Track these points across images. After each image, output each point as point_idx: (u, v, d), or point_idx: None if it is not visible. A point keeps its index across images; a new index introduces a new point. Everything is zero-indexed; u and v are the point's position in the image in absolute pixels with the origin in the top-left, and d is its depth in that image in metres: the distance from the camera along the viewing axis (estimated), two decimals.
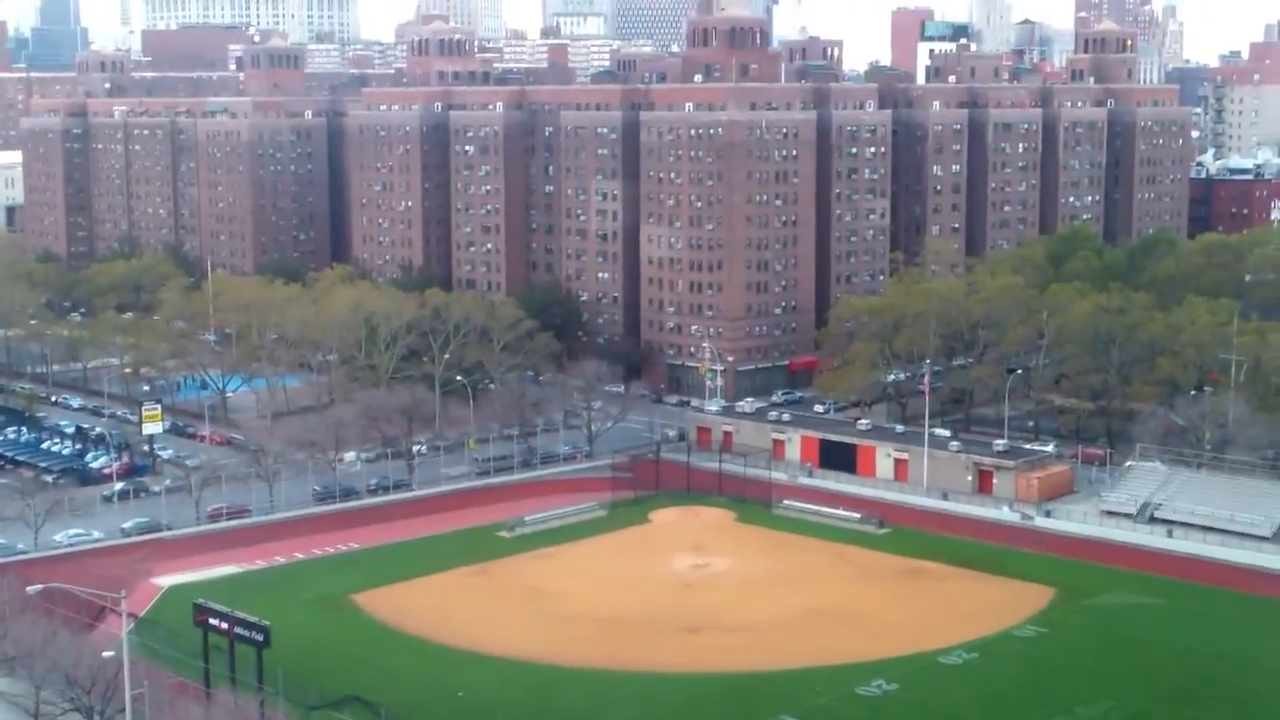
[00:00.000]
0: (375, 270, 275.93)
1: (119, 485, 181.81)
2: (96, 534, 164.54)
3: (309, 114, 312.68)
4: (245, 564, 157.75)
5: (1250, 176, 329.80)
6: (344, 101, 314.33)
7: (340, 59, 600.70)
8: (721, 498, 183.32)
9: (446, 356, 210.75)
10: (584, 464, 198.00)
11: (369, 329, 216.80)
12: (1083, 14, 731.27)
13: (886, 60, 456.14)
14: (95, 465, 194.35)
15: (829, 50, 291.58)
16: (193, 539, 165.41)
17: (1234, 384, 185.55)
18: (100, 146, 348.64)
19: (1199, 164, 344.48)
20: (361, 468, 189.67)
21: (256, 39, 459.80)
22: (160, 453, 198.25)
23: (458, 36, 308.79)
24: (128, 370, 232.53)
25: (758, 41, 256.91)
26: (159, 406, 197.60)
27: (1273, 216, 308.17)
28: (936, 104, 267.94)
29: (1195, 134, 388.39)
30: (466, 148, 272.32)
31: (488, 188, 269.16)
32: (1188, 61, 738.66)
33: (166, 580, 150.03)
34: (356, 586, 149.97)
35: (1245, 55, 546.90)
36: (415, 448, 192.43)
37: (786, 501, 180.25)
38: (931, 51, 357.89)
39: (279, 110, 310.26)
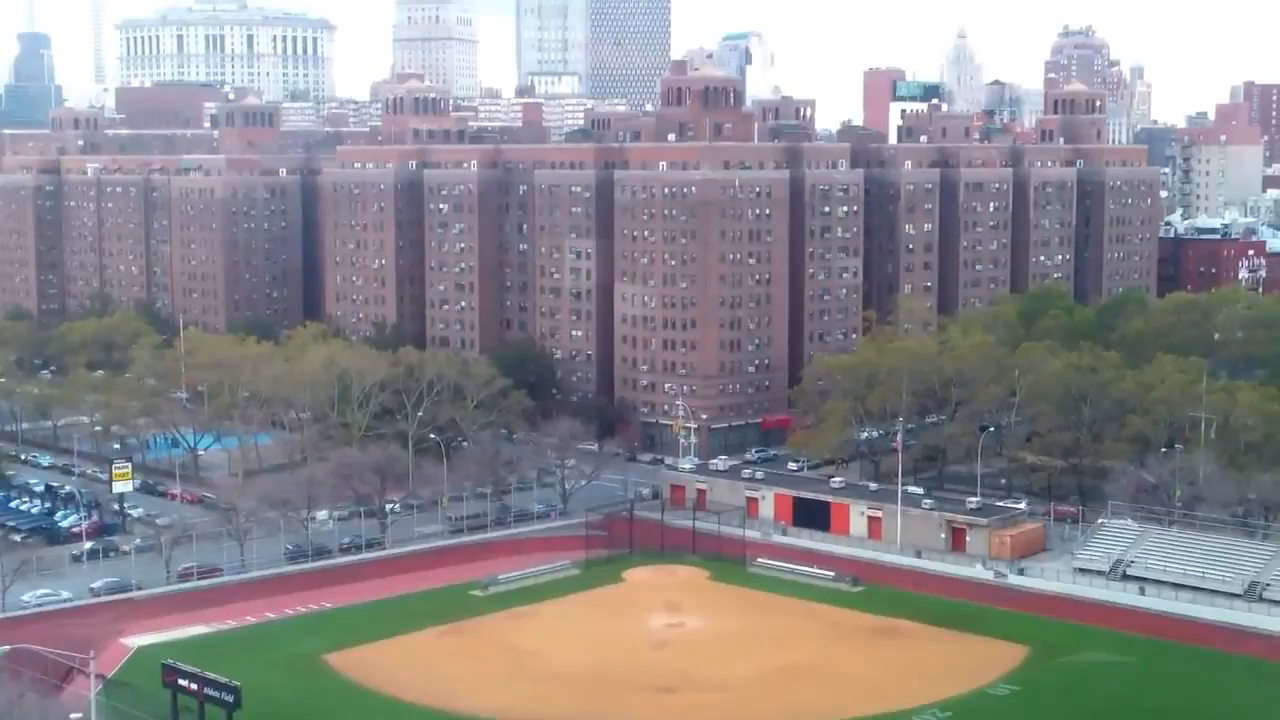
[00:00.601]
0: (349, 328, 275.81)
1: (88, 544, 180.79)
2: (65, 594, 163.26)
3: (283, 171, 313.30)
4: (216, 624, 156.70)
5: (1218, 236, 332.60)
6: (318, 159, 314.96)
7: (315, 117, 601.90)
8: (695, 556, 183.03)
9: (420, 414, 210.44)
10: (558, 522, 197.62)
11: (342, 387, 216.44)
12: (1052, 75, 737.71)
13: (859, 120, 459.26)
14: (64, 524, 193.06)
15: (801, 110, 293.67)
16: (163, 599, 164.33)
17: (1204, 442, 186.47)
18: (73, 203, 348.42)
19: (1168, 224, 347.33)
20: (334, 526, 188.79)
21: (231, 96, 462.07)
22: (130, 511, 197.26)
23: (433, 95, 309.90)
24: (98, 428, 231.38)
25: (731, 101, 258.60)
26: (129, 465, 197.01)
27: (1240, 276, 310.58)
28: (908, 163, 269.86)
29: (1163, 194, 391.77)
30: (441, 206, 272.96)
31: (462, 245, 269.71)
32: (1155, 122, 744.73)
33: (136, 641, 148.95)
34: (329, 646, 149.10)
35: (1212, 116, 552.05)
36: (388, 506, 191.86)
37: (760, 560, 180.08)
38: (903, 111, 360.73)
39: (253, 168, 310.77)
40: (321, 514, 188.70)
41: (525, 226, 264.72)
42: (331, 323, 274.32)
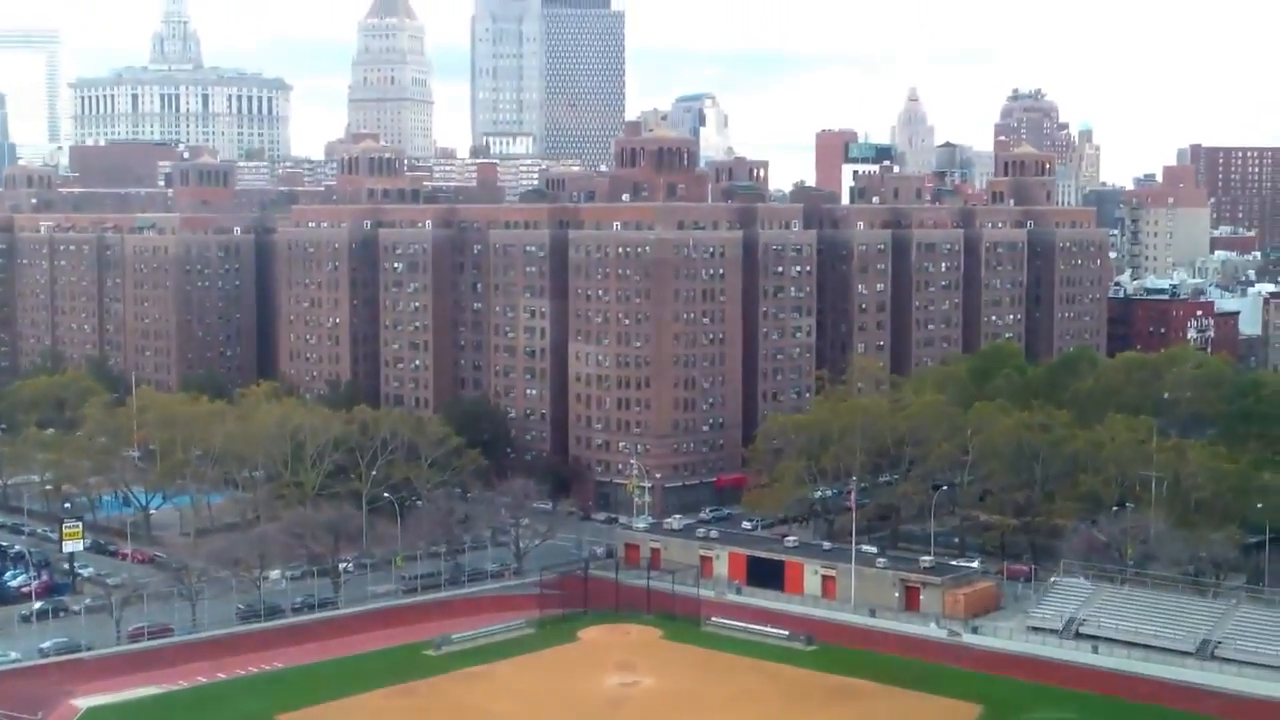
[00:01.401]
0: (303, 386, 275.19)
1: (38, 604, 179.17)
2: (14, 654, 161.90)
3: (238, 230, 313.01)
4: (167, 685, 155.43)
5: (1167, 296, 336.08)
6: (273, 218, 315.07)
7: (270, 176, 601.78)
8: (650, 615, 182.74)
9: (374, 473, 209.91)
10: (512, 581, 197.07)
11: (295, 445, 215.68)
12: (1002, 137, 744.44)
13: (812, 181, 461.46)
14: (14, 584, 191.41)
15: (755, 171, 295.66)
16: (113, 659, 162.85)
17: (1154, 500, 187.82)
18: (25, 261, 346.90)
19: (1117, 284, 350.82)
20: (287, 585, 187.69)
21: (186, 155, 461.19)
22: (80, 571, 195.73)
23: (387, 155, 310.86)
24: (49, 487, 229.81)
25: (685, 162, 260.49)
26: (80, 524, 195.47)
27: (1189, 336, 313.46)
28: (861, 224, 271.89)
29: (1113, 255, 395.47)
30: (395, 265, 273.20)
31: (416, 304, 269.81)
32: (1104, 184, 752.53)
33: (86, 702, 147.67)
34: (281, 707, 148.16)
35: (1159, 178, 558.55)
36: (341, 565, 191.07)
37: (715, 619, 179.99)
38: (855, 172, 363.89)
39: (207, 226, 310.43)
40: (274, 573, 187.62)
41: (480, 285, 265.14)
42: (285, 381, 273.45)
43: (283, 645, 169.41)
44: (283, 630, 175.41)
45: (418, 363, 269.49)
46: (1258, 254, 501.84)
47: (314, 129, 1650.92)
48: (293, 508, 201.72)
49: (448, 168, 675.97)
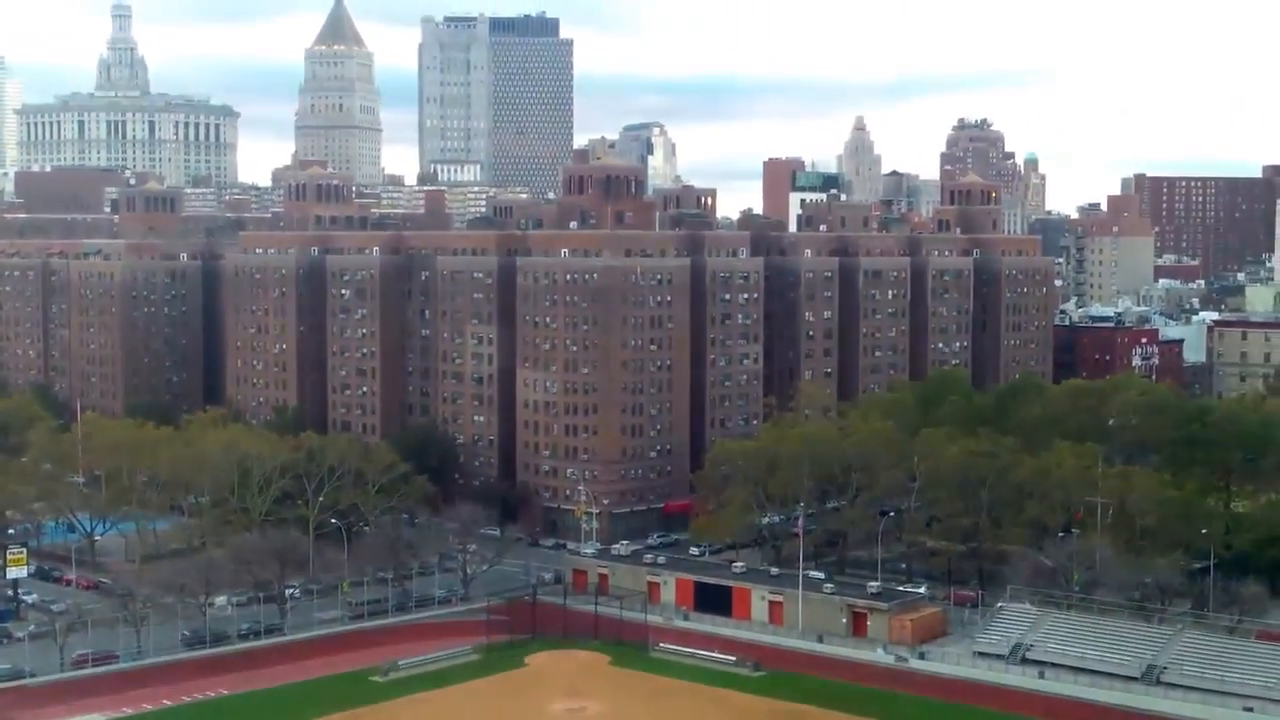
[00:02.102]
0: (249, 412, 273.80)
1: None
2: None
3: (184, 256, 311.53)
4: (111, 712, 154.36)
5: (1112, 324, 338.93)
6: (220, 244, 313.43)
7: (217, 202, 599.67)
8: (597, 641, 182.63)
9: (321, 499, 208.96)
10: (459, 607, 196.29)
11: (242, 471, 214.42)
12: (948, 166, 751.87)
13: (759, 209, 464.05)
14: None
15: (702, 199, 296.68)
16: (57, 686, 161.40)
17: (1100, 526, 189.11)
18: None
19: (1063, 312, 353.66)
20: (233, 612, 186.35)
21: (132, 181, 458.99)
22: (25, 597, 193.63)
23: (335, 182, 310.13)
24: None
25: (633, 189, 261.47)
26: (24, 550, 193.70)
27: (1134, 363, 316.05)
28: (808, 251, 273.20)
29: (1058, 283, 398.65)
30: (343, 291, 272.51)
31: (364, 331, 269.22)
32: (1049, 213, 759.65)
33: None
34: None
35: (1104, 207, 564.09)
36: (288, 591, 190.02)
37: (662, 644, 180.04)
38: (803, 201, 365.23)
39: (153, 252, 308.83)
40: (220, 599, 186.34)
41: (427, 312, 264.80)
42: (232, 407, 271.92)
43: (229, 672, 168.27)
44: (229, 657, 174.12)
45: (365, 389, 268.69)
46: (1201, 282, 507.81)
47: (261, 156, 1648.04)
48: (239, 534, 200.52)
49: (395, 195, 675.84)
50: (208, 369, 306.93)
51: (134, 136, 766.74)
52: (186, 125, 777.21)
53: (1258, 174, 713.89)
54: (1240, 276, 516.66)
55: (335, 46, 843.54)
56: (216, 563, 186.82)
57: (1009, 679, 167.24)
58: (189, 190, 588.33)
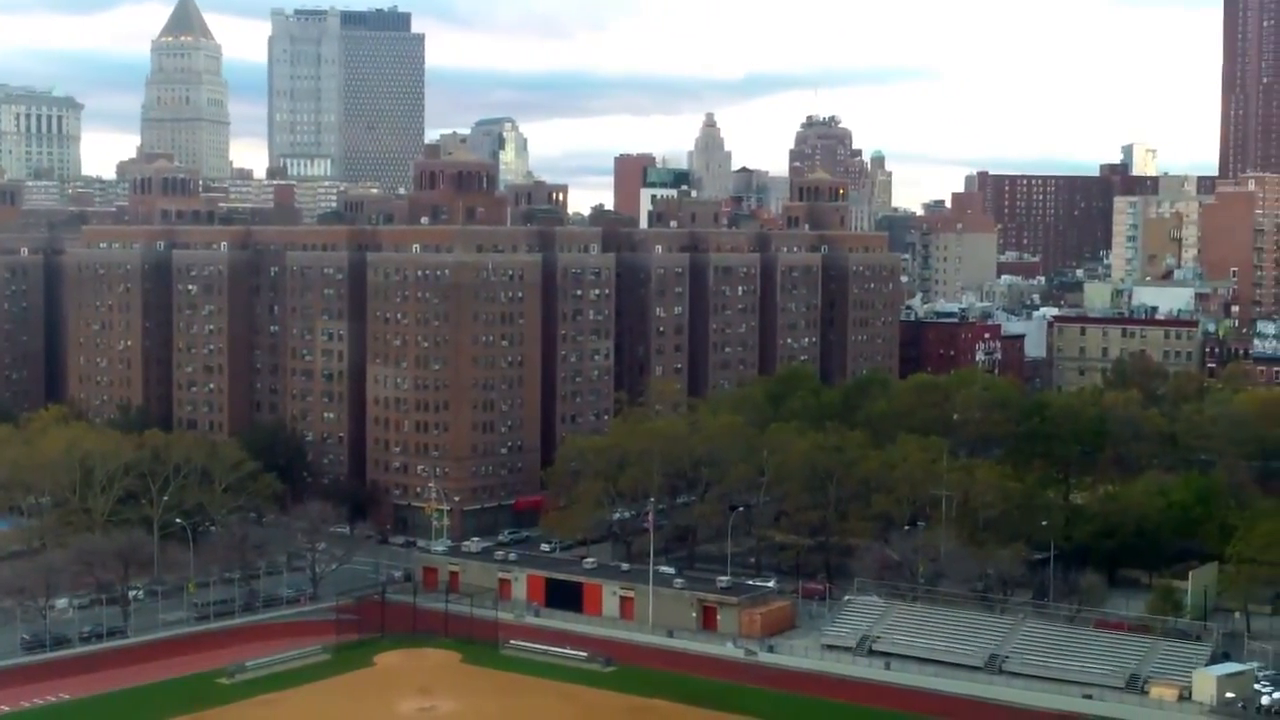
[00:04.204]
0: (92, 411, 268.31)
1: None
2: None
3: (25, 251, 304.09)
4: None
5: (956, 319, 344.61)
6: (62, 239, 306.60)
7: (59, 196, 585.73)
8: (448, 639, 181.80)
9: (166, 498, 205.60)
10: (308, 607, 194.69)
11: (84, 471, 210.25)
12: (797, 164, 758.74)
13: (610, 205, 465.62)
14: None
15: (554, 195, 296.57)
16: None
17: (944, 519, 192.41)
18: None
19: (908, 307, 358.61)
20: (74, 615, 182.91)
21: None
22: None
23: (182, 175, 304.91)
24: None
25: (484, 185, 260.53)
26: None
27: (977, 358, 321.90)
28: (659, 248, 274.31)
29: (904, 279, 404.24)
30: (189, 287, 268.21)
31: (211, 327, 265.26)
32: (896, 210, 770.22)
33: None
34: None
35: (949, 204, 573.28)
36: (131, 593, 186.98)
37: (513, 641, 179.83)
38: (654, 197, 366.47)
39: None
40: (61, 602, 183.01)
41: (276, 308, 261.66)
42: (74, 406, 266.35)
43: (69, 676, 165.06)
44: (70, 660, 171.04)
45: (212, 386, 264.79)
46: (1042, 279, 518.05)
47: (106, 149, 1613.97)
48: (81, 534, 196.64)
49: (244, 189, 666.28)
50: (49, 367, 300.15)
51: None
52: (28, 117, 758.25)
53: (1097, 173, 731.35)
54: (1079, 273, 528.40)
55: (182, 38, 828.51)
56: (57, 564, 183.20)
57: (856, 670, 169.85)
58: (30, 183, 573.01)
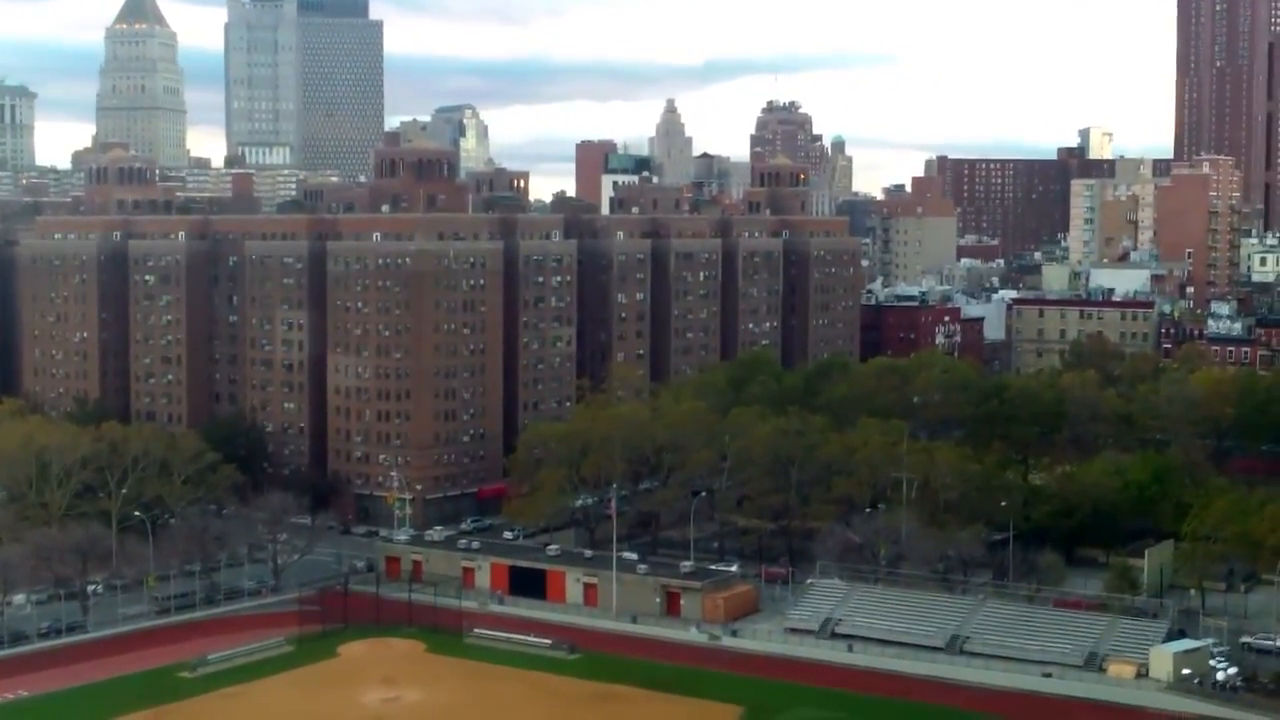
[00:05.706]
0: (48, 404, 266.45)
1: None
2: None
3: None
4: None
5: (916, 303, 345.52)
6: (16, 230, 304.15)
7: (13, 186, 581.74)
8: (412, 628, 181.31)
9: (124, 491, 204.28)
10: (270, 599, 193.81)
11: (40, 465, 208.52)
12: (758, 149, 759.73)
13: (572, 192, 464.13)
14: None
15: (515, 181, 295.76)
16: None
17: (905, 501, 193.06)
18: None
19: (869, 291, 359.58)
20: (32, 610, 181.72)
21: None
22: None
23: (138, 164, 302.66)
24: None
25: (445, 173, 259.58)
26: None
27: (937, 341, 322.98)
28: (620, 234, 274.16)
29: (865, 263, 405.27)
30: (146, 277, 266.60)
31: (169, 318, 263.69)
32: (856, 194, 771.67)
33: None
34: None
35: (909, 188, 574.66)
36: (90, 587, 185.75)
37: (478, 630, 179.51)
38: (615, 183, 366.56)
39: None
40: (19, 598, 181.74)
41: (235, 298, 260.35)
42: (30, 399, 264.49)
43: (28, 672, 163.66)
44: (28, 656, 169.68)
45: (170, 377, 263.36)
46: (1000, 261, 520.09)
47: (61, 138, 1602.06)
48: (38, 529, 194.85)
49: (202, 178, 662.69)
50: (3, 359, 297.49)
51: None
52: None
53: (1054, 156, 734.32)
54: (1037, 255, 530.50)
55: (137, 25, 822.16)
56: (14, 560, 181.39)
57: (819, 653, 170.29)
58: None
